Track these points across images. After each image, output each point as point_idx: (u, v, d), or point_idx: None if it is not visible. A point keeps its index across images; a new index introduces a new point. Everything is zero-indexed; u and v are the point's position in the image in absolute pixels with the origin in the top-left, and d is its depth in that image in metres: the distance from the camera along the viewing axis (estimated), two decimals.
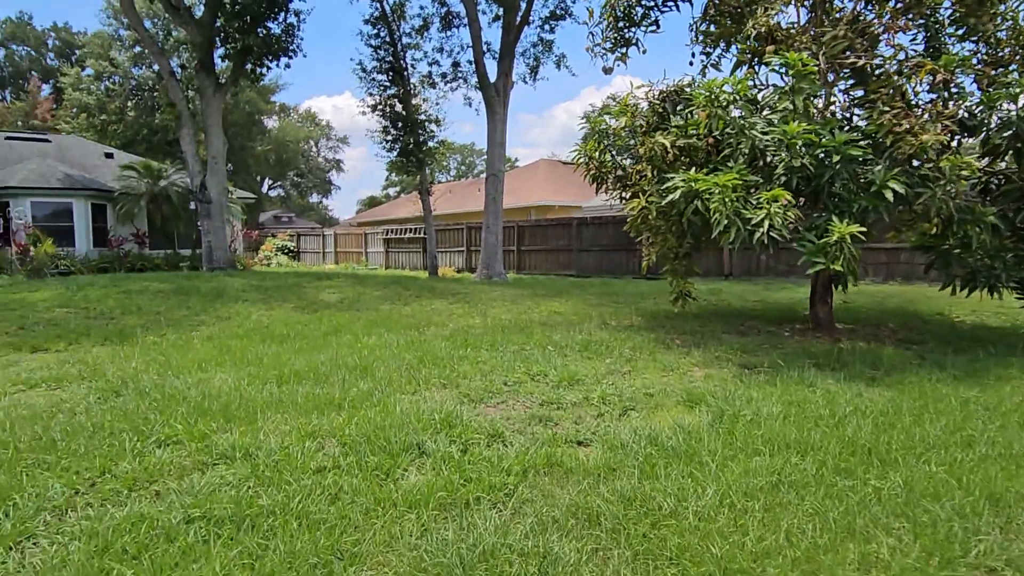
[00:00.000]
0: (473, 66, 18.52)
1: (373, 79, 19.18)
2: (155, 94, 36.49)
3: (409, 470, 3.55)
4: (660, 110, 7.28)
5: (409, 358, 6.36)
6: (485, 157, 21.73)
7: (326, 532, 2.82)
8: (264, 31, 17.27)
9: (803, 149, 5.90)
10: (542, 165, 36.74)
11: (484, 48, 18.43)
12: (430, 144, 19.67)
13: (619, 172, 8.11)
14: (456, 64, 19.91)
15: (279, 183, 67.32)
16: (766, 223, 5.59)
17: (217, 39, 17.36)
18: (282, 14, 17.67)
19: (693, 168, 6.57)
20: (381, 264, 29.25)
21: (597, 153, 8.12)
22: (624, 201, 8.06)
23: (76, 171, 23.38)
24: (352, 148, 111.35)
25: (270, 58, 17.78)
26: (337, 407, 4.61)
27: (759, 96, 6.92)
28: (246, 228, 29.99)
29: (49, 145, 26.45)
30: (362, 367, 5.92)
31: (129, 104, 38.10)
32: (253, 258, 28.61)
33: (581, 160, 8.23)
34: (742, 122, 6.17)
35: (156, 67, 33.70)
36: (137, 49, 36.29)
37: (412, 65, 19.49)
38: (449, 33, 19.94)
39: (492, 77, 18.24)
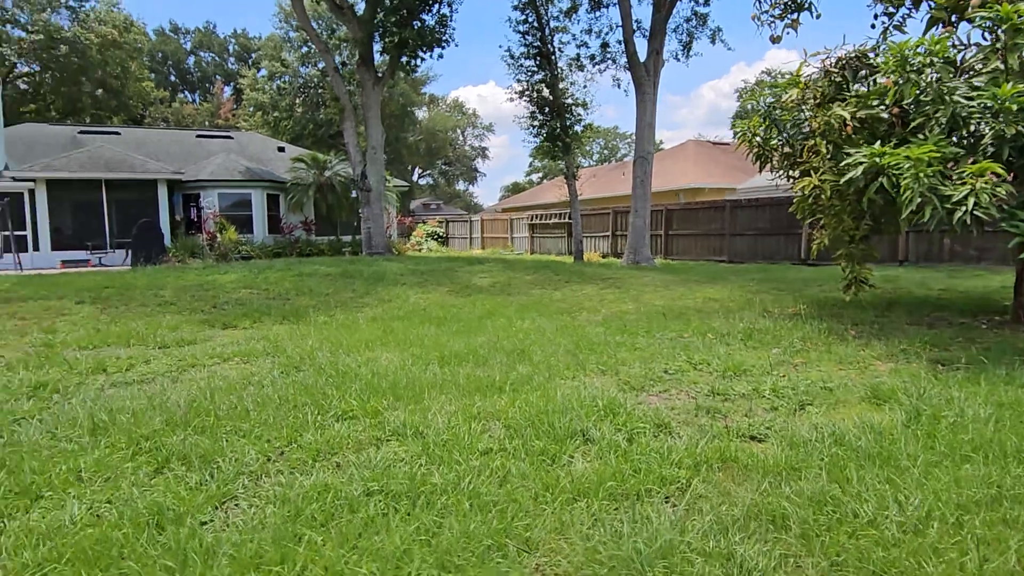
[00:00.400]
0: (622, 46, 18.11)
1: (520, 65, 19.34)
2: (320, 91, 39.21)
3: (575, 457, 3.49)
4: (838, 79, 6.64)
5: (565, 343, 6.32)
6: (628, 141, 21.26)
7: (498, 514, 2.83)
8: (419, 23, 17.94)
9: (1019, 114, 5.12)
10: (690, 146, 35.40)
11: (634, 27, 17.97)
12: (576, 128, 19.53)
13: (786, 149, 7.54)
14: (605, 45, 19.56)
15: (428, 171, 70.23)
16: (970, 200, 4.92)
17: (376, 34, 18.26)
18: (436, 5, 18.25)
19: (877, 142, 5.93)
20: (526, 249, 29.63)
21: (761, 129, 7.60)
22: (792, 181, 7.49)
23: (254, 164, 25.69)
24: (495, 136, 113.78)
25: (424, 49, 18.44)
26: (498, 390, 4.65)
27: (958, 58, 6.11)
28: (400, 215, 31.54)
29: (232, 141, 29.26)
30: (519, 351, 5.96)
31: (297, 101, 41.24)
32: (406, 244, 30.05)
33: (743, 138, 7.75)
34: (940, 87, 5.46)
35: (321, 65, 36.14)
36: (304, 49, 39.13)
37: (559, 49, 19.44)
38: (598, 14, 19.65)
39: (642, 56, 17.74)
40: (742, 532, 2.65)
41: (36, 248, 21.21)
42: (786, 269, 15.42)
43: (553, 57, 19.05)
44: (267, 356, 6.07)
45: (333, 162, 24.69)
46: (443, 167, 70.12)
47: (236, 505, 3.07)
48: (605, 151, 71.02)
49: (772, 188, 18.33)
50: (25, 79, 41.12)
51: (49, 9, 38.14)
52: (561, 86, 19.21)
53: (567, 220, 26.43)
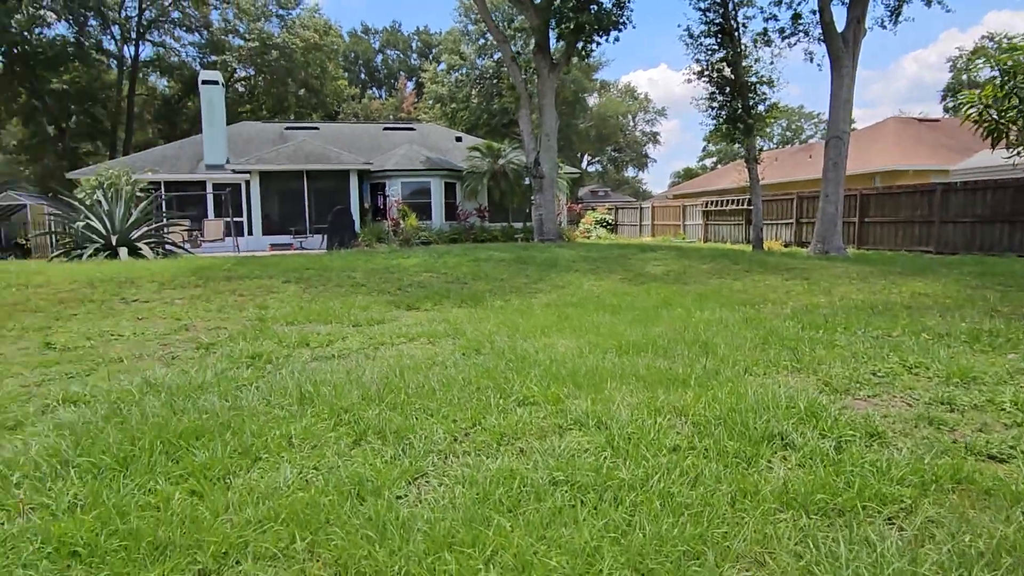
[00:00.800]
0: (817, 15, 16.63)
1: (700, 44, 18.48)
2: (495, 81, 40.32)
3: (773, 462, 3.20)
4: None
5: (751, 336, 5.90)
6: (815, 121, 19.64)
7: (692, 518, 2.65)
8: (596, 7, 17.73)
9: None
10: (890, 124, 31.92)
11: None
12: (760, 108, 18.32)
13: None
14: (797, 16, 18.08)
15: (597, 158, 69.83)
16: None
17: (553, 20, 18.33)
18: None
19: None
20: (699, 237, 28.47)
21: (995, 100, 6.56)
22: None
23: (433, 154, 27.00)
24: (667, 120, 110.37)
25: (600, 34, 18.21)
26: (682, 383, 4.42)
27: None
28: (569, 202, 31.65)
29: (414, 133, 30.99)
30: (701, 343, 5.65)
31: (473, 92, 42.76)
32: (575, 230, 30.10)
33: (970, 110, 6.74)
34: None
35: (498, 55, 37.09)
36: (481, 41, 40.40)
37: (743, 24, 18.28)
38: None
39: (840, 26, 16.17)
40: (991, 570, 2.26)
41: (250, 232, 23.91)
42: (1011, 262, 13.38)
43: (736, 33, 17.98)
44: (448, 338, 6.28)
45: (507, 150, 25.29)
46: (612, 154, 69.37)
47: (427, 482, 3.16)
48: (788, 133, 66.33)
49: (997, 169, 15.99)
50: (243, 82, 46.41)
51: (263, 19, 42.65)
52: (744, 64, 18.09)
53: (744, 207, 24.99)
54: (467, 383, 4.50)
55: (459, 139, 30.86)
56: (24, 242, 23.34)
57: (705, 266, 12.06)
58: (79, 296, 8.55)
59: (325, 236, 21.60)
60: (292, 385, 4.50)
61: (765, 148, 24.49)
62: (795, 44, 18.37)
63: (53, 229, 20.83)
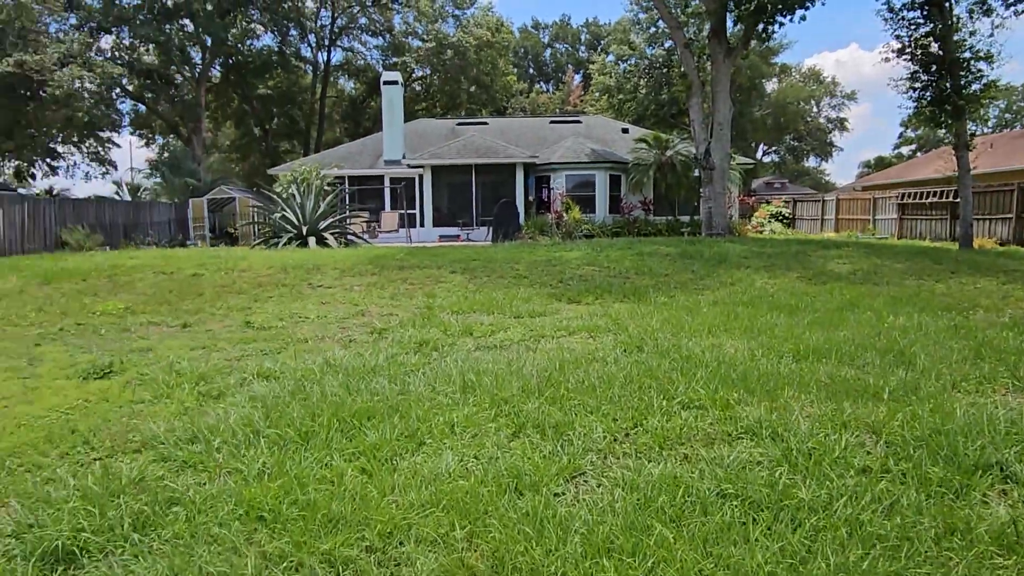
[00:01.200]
0: None
1: (902, 18, 16.58)
2: (665, 70, 39.18)
3: (990, 496, 2.74)
4: None
5: (958, 347, 5.17)
6: None
7: (886, 552, 2.33)
8: None
9: None
10: None
11: None
12: (973, 88, 16.11)
13: None
14: None
15: (774, 148, 65.61)
16: None
17: (731, 2, 17.37)
18: None
19: None
20: (892, 233, 25.77)
21: None
22: None
23: (599, 146, 26.79)
24: (855, 105, 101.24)
25: (784, 14, 16.96)
26: (872, 396, 3.95)
27: None
28: (741, 194, 30.01)
29: (580, 125, 30.95)
30: (895, 351, 5.04)
31: (641, 82, 41.87)
32: (747, 224, 28.49)
33: None
34: None
35: (669, 43, 36.02)
36: (652, 30, 39.44)
37: None
38: None
39: None
40: None
41: (421, 224, 25.22)
42: None
43: (947, 4, 15.92)
44: (609, 333, 6.14)
45: (674, 141, 24.48)
46: (791, 142, 64.80)
47: (585, 481, 3.07)
48: (1007, 115, 58.15)
49: None
50: (419, 81, 49.06)
51: (439, 19, 44.73)
52: (955, 38, 15.98)
53: (948, 199, 22.21)
54: (628, 381, 4.35)
55: (625, 131, 30.36)
56: (233, 230, 26.38)
57: (900, 265, 10.84)
58: (274, 280, 9.45)
59: (490, 228, 22.23)
60: (456, 373, 4.62)
61: (978, 133, 21.45)
62: (1023, 12, 15.88)
63: (255, 219, 23.36)
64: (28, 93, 31.61)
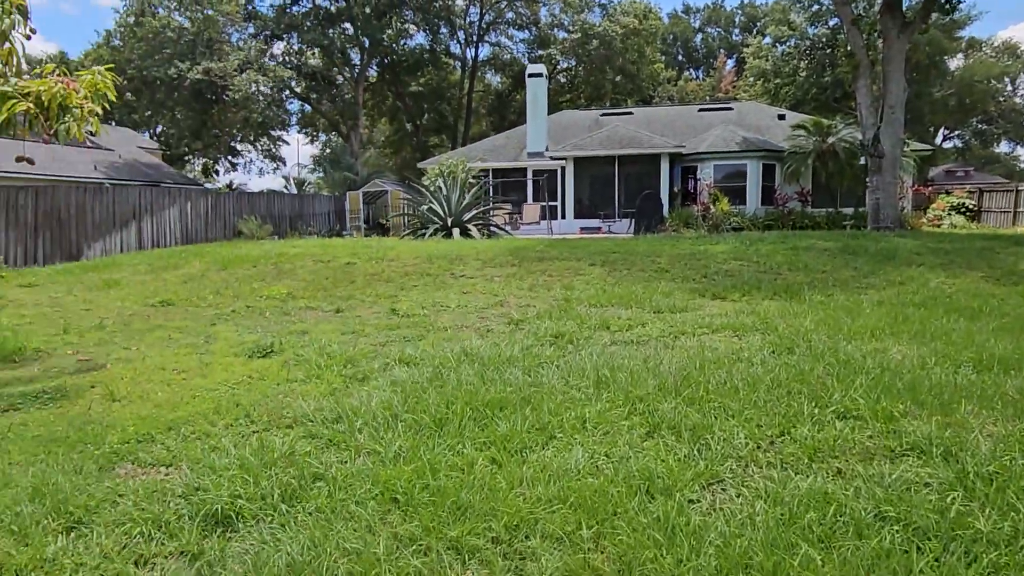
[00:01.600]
0: None
1: None
2: (828, 51, 36.40)
3: None
4: None
5: None
6: None
7: None
8: None
9: None
10: None
11: None
12: None
13: None
14: None
15: (956, 132, 58.91)
16: None
17: None
18: None
19: None
20: None
21: None
22: None
23: (751, 134, 25.39)
24: None
25: None
26: None
27: None
28: (915, 184, 27.23)
29: (731, 112, 29.51)
30: None
31: (801, 65, 39.17)
32: (921, 217, 25.81)
33: None
34: None
35: (833, 22, 33.44)
36: (814, 7, 36.71)
37: None
38: None
39: None
40: None
41: (563, 216, 25.24)
42: None
43: None
44: (756, 332, 5.77)
45: (838, 127, 22.61)
46: (978, 126, 57.82)
47: (723, 490, 2.89)
48: None
49: None
50: (564, 73, 49.08)
51: (585, 10, 44.42)
52: None
53: None
54: (775, 385, 4.05)
55: (782, 117, 28.52)
56: (384, 222, 27.88)
57: None
58: (419, 270, 9.84)
59: (632, 220, 21.81)
60: (590, 367, 4.53)
61: None
62: None
63: (405, 211, 24.50)
64: (213, 97, 35.39)
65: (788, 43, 41.21)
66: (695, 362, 4.63)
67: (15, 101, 4.32)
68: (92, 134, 4.79)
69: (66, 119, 4.40)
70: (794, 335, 5.48)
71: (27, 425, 4.12)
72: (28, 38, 5.05)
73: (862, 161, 19.84)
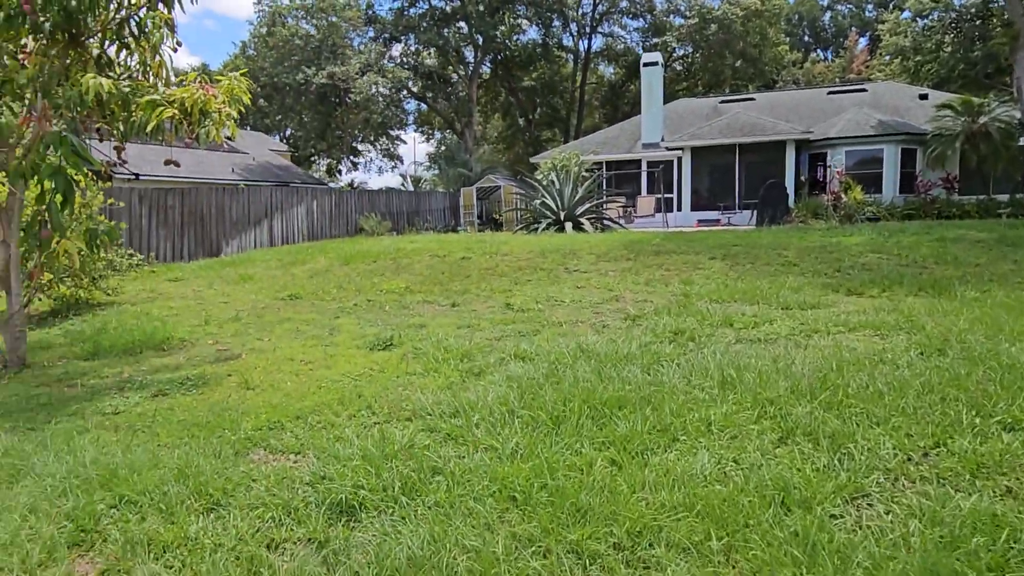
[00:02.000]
0: None
1: None
2: (978, 22, 33.05)
3: None
4: None
5: None
6: None
7: None
8: None
9: None
10: None
11: None
12: None
13: None
14: None
15: None
16: None
17: None
18: None
19: None
20: None
21: None
22: None
23: (888, 116, 23.49)
24: None
25: None
26: None
27: None
28: None
29: (864, 94, 27.46)
30: None
31: (946, 39, 35.77)
32: None
33: None
34: None
35: None
36: None
37: None
38: None
39: None
40: None
41: (679, 208, 24.48)
42: None
43: None
44: (900, 331, 5.28)
45: (991, 105, 20.44)
46: None
47: (870, 506, 2.62)
48: None
49: None
50: (680, 61, 47.62)
51: None
52: None
53: None
54: (927, 390, 3.67)
55: (923, 97, 26.15)
56: (497, 216, 28.23)
57: None
58: (532, 264, 9.82)
59: (754, 211, 20.79)
60: (713, 366, 4.31)
61: None
62: None
63: (518, 206, 24.68)
64: (336, 100, 37.27)
65: (931, 16, 37.73)
66: (831, 363, 4.28)
67: (163, 108, 4.67)
68: (229, 138, 5.12)
69: (206, 123, 4.71)
70: (945, 335, 4.96)
71: (173, 410, 4.45)
72: (175, 51, 5.47)
73: (1021, 142, 17.81)
